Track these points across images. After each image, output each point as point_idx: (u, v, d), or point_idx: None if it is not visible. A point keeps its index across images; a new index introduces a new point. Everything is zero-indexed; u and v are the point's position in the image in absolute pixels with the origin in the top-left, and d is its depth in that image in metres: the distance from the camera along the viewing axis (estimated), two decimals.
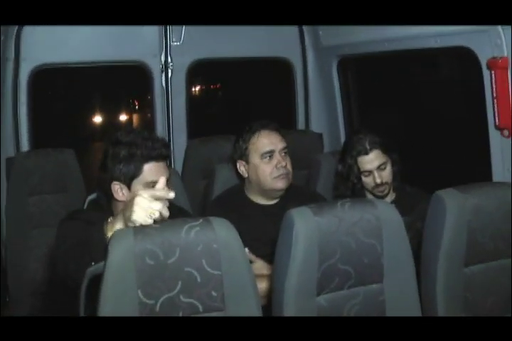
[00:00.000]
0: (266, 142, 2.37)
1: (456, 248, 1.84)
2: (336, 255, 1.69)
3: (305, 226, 1.66)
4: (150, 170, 1.91)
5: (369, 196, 2.56)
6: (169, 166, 3.44)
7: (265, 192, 2.41)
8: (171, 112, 3.63)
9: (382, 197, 2.53)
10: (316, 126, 3.88)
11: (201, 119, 4.38)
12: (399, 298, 1.77)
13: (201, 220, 1.58)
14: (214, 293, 1.56)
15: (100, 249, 1.55)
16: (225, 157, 3.23)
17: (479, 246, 1.87)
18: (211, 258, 1.55)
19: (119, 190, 1.92)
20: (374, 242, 1.73)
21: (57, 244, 1.81)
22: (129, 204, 1.59)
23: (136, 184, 1.90)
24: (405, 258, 1.78)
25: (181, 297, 1.53)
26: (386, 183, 2.50)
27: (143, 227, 1.54)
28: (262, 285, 1.97)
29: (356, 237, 1.71)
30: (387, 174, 2.50)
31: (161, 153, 1.93)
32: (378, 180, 2.48)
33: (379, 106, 4.04)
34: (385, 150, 2.51)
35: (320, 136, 3.79)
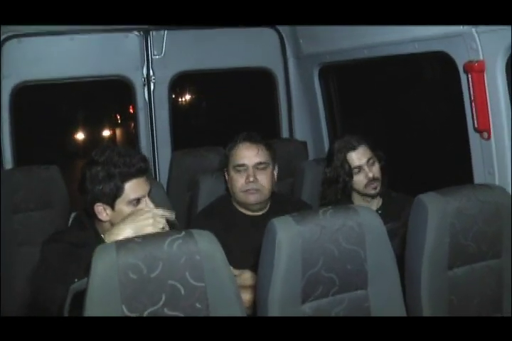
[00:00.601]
0: (240, 155, 2.37)
1: (439, 251, 1.86)
2: (319, 263, 1.69)
3: (287, 235, 1.67)
4: (131, 187, 1.89)
5: (357, 199, 2.56)
6: (153, 178, 3.46)
7: (241, 204, 2.41)
8: (155, 125, 3.64)
9: (374, 196, 2.53)
10: (300, 134, 3.90)
11: (185, 131, 4.38)
12: (384, 303, 1.78)
13: (183, 233, 1.58)
14: (198, 305, 1.55)
15: None
16: (209, 168, 3.24)
17: (462, 249, 1.89)
18: (194, 270, 1.54)
19: (102, 211, 1.90)
20: (357, 249, 1.74)
21: (37, 268, 1.82)
22: (137, 213, 1.77)
23: (119, 203, 1.89)
24: (389, 263, 1.79)
25: (166, 310, 1.53)
26: (377, 179, 2.50)
27: (125, 242, 1.54)
28: (247, 296, 1.97)
29: (339, 244, 1.71)
30: (377, 169, 2.51)
31: (140, 168, 1.91)
32: (370, 175, 2.48)
33: (361, 112, 4.06)
34: (371, 147, 2.53)
35: (304, 144, 3.81)
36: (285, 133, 3.99)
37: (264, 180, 2.35)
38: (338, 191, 2.56)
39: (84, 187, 1.90)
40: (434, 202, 1.87)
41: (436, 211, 1.86)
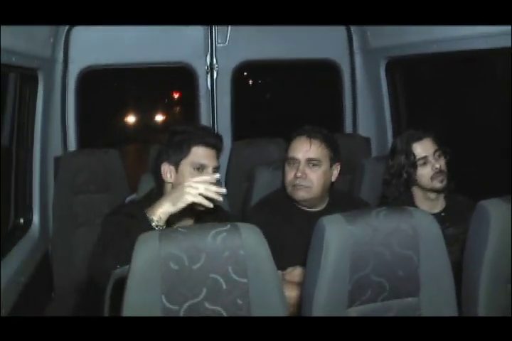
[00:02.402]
0: (294, 148, 2.30)
1: (500, 261, 1.74)
2: (368, 266, 1.61)
3: (337, 234, 1.60)
4: (197, 152, 2.00)
5: (419, 198, 2.44)
6: None
7: (293, 199, 2.34)
8: (216, 113, 3.62)
9: (441, 191, 2.41)
10: (363, 130, 3.80)
11: (247, 122, 4.36)
12: (436, 313, 1.68)
13: (228, 226, 1.54)
14: (239, 301, 1.52)
15: None
16: (268, 160, 3.20)
17: None
18: (237, 265, 1.51)
19: (167, 171, 2.01)
20: (410, 254, 1.65)
21: (98, 239, 1.86)
22: (178, 186, 1.79)
23: (184, 165, 1.99)
24: (444, 271, 1.69)
25: (206, 304, 1.50)
26: (444, 172, 2.38)
27: (169, 231, 1.52)
28: (294, 293, 1.92)
29: (391, 248, 1.63)
30: (443, 162, 2.39)
31: (211, 140, 2.03)
32: (437, 165, 2.36)
33: (429, 110, 3.91)
34: (437, 141, 2.42)
35: (367, 140, 3.71)
36: (348, 129, 3.89)
37: (314, 178, 2.27)
38: (400, 185, 2.44)
39: (160, 152, 2.07)
40: (497, 209, 1.76)
41: (499, 218, 1.74)
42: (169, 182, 2.01)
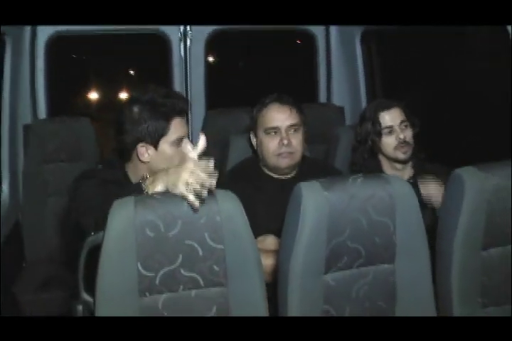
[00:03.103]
0: (271, 117, 2.27)
1: (474, 229, 1.75)
2: (345, 232, 1.61)
3: (314, 201, 1.59)
4: (175, 127, 1.89)
5: (386, 166, 2.45)
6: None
7: (272, 168, 2.33)
8: (190, 83, 3.56)
9: (403, 162, 2.43)
10: (337, 100, 3.78)
11: (220, 91, 4.30)
12: (411, 280, 1.70)
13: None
14: (216, 268, 1.51)
15: None
16: (243, 129, 3.17)
17: (498, 229, 1.77)
18: (214, 231, 1.50)
19: (144, 151, 1.88)
20: (386, 221, 1.65)
21: (75, 203, 1.78)
22: (178, 169, 1.53)
23: (163, 143, 1.88)
24: (419, 238, 1.70)
25: (182, 270, 1.49)
26: (408, 143, 2.38)
27: (144, 197, 1.49)
28: (269, 262, 1.92)
29: (368, 215, 1.63)
30: (409, 134, 2.39)
31: (183, 108, 1.92)
32: (401, 136, 2.36)
33: (403, 80, 3.91)
34: (406, 111, 2.42)
35: (341, 109, 3.70)
36: (322, 98, 3.87)
37: (297, 143, 2.26)
38: (365, 152, 2.46)
39: (122, 128, 1.88)
40: (472, 177, 1.76)
41: (474, 187, 1.75)
42: (146, 162, 1.89)
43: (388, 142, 2.40)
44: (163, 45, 3.50)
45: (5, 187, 2.93)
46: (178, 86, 3.57)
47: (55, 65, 3.46)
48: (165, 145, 1.88)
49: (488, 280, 1.79)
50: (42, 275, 2.92)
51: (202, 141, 1.60)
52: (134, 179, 1.92)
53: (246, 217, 1.54)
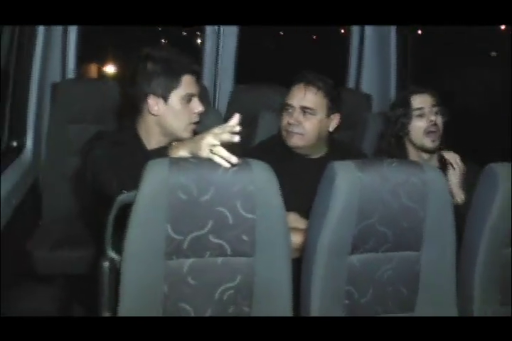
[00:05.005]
0: (291, 94, 2.27)
1: (504, 225, 1.73)
2: (375, 215, 1.60)
3: (347, 180, 1.57)
4: (188, 81, 1.91)
5: (412, 154, 2.42)
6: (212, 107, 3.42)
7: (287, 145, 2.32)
8: (221, 54, 3.54)
9: (431, 151, 2.39)
10: (367, 87, 3.74)
11: (250, 67, 4.26)
12: (435, 269, 1.68)
13: (240, 160, 1.51)
14: (245, 237, 1.50)
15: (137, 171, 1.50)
16: (270, 106, 3.14)
17: None
18: (246, 200, 1.49)
19: (154, 104, 1.90)
20: (417, 207, 1.63)
21: (89, 163, 1.78)
22: (203, 134, 1.57)
23: (174, 97, 1.90)
24: (447, 228, 1.68)
25: (211, 237, 1.48)
26: (438, 129, 2.35)
27: (179, 160, 1.48)
28: (295, 239, 1.90)
29: (399, 199, 1.61)
30: (440, 119, 2.36)
31: (197, 68, 1.98)
32: (432, 118, 2.32)
33: (435, 72, 3.86)
34: (437, 98, 2.38)
35: (369, 97, 3.66)
36: (351, 84, 3.83)
37: (308, 125, 2.23)
38: (392, 138, 2.41)
39: (134, 81, 1.90)
40: (507, 173, 1.74)
41: (508, 182, 1.73)
42: (156, 115, 1.91)
43: (418, 125, 2.35)
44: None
45: (29, 142, 2.92)
46: (208, 56, 3.55)
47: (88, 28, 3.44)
48: (175, 98, 1.90)
49: (509, 278, 1.78)
50: (58, 234, 2.92)
51: (235, 119, 1.60)
52: (144, 138, 1.94)
53: (279, 189, 1.53)
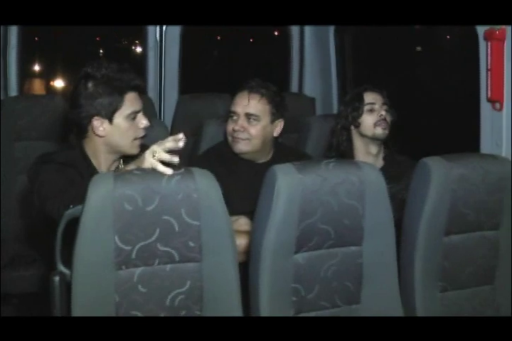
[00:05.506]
0: (235, 101, 2.35)
1: (438, 216, 1.84)
2: (316, 214, 1.67)
3: (287, 182, 1.64)
4: (130, 101, 1.91)
5: (361, 150, 2.51)
6: (158, 118, 3.43)
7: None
8: (164, 65, 3.57)
9: (381, 139, 2.49)
10: (309, 90, 3.84)
11: (194, 76, 4.31)
12: (376, 262, 1.77)
13: (182, 170, 1.56)
14: (191, 244, 1.55)
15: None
16: (215, 115, 3.19)
17: (461, 216, 1.87)
18: (190, 208, 1.53)
19: (99, 125, 1.89)
20: (356, 204, 1.71)
21: (38, 188, 1.80)
22: (141, 159, 1.62)
23: (118, 116, 1.90)
24: (386, 223, 1.77)
25: (158, 245, 1.52)
26: (387, 122, 2.47)
27: (123, 173, 1.52)
28: (242, 242, 1.96)
29: (338, 198, 1.69)
30: (389, 117, 2.48)
31: (137, 83, 1.94)
32: (383, 113, 2.45)
33: (374, 73, 3.98)
34: (386, 98, 2.52)
35: (312, 100, 3.75)
36: (294, 88, 3.92)
37: (252, 131, 2.32)
38: (343, 134, 2.52)
39: (77, 102, 1.89)
40: (438, 166, 1.84)
41: (440, 175, 1.83)
42: (101, 136, 1.91)
43: (369, 118, 2.47)
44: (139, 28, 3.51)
45: None
46: (151, 68, 3.58)
47: (29, 42, 3.43)
48: (119, 119, 1.90)
49: (449, 265, 1.88)
50: (9, 253, 2.89)
51: (180, 135, 1.64)
52: (92, 157, 1.95)
53: (222, 196, 1.58)
